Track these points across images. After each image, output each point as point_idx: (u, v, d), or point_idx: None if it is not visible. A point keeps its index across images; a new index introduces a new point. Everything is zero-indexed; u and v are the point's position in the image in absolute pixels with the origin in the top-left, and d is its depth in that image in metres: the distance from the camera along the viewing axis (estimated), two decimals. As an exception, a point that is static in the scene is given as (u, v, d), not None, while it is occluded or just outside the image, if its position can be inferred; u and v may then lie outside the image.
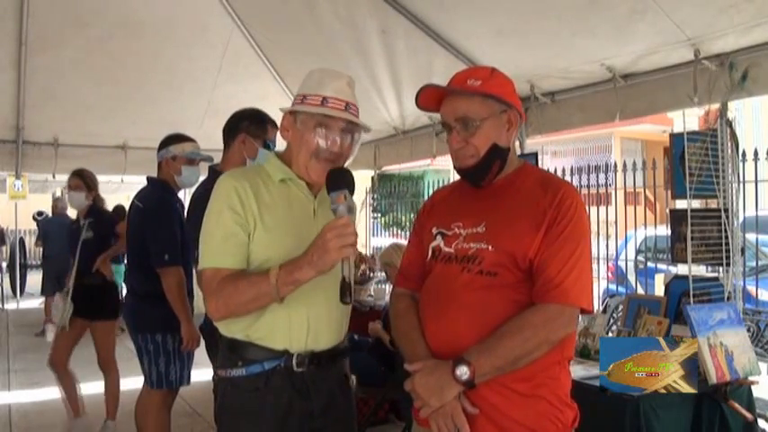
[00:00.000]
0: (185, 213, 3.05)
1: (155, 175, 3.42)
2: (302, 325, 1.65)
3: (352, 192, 1.56)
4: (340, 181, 1.55)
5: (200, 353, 3.10)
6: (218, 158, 2.95)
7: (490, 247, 1.57)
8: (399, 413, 4.31)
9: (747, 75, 2.83)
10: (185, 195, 4.23)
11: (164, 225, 3.15)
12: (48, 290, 8.19)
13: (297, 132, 1.70)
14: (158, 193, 3.30)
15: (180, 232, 3.16)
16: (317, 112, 1.65)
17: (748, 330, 2.88)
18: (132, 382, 3.44)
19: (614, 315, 3.46)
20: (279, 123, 1.82)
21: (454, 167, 1.70)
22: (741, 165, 3.37)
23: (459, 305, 1.57)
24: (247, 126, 2.80)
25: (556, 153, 16.54)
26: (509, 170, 1.67)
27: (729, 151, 3.10)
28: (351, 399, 1.85)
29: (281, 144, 2.01)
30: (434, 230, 1.70)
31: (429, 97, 1.68)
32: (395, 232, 8.44)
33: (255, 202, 1.64)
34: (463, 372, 1.46)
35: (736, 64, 2.87)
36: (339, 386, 1.77)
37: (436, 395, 1.50)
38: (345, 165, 1.72)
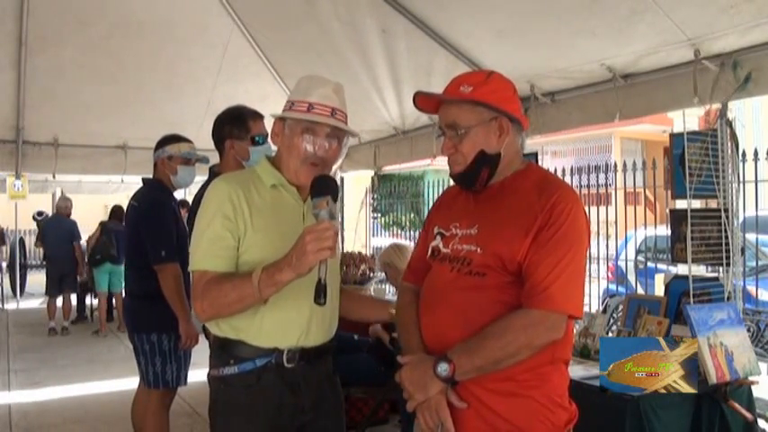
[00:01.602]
0: (188, 215, 3.05)
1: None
2: (295, 322, 1.71)
3: (335, 199, 1.60)
4: (324, 187, 1.59)
5: (198, 353, 3.10)
6: (215, 159, 2.95)
7: (479, 250, 1.59)
8: (399, 413, 4.30)
9: (750, 76, 2.83)
10: (186, 196, 4.24)
11: (159, 223, 3.15)
12: (51, 291, 8.18)
13: (285, 138, 1.76)
14: (154, 192, 3.31)
15: (176, 231, 3.17)
16: (303, 117, 1.71)
17: (748, 330, 2.88)
18: (132, 383, 3.43)
19: (614, 315, 3.46)
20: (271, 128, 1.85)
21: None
22: (741, 165, 3.36)
23: (447, 304, 1.61)
24: (230, 130, 2.79)
25: (556, 153, 16.55)
26: (508, 173, 1.66)
27: (729, 151, 3.10)
28: (339, 393, 1.89)
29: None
30: (435, 230, 1.73)
31: (428, 100, 1.69)
32: (395, 232, 8.42)
33: (247, 206, 1.69)
34: (443, 369, 1.49)
35: (741, 63, 2.87)
36: (328, 381, 1.84)
37: (421, 389, 1.53)
38: (335, 167, 1.74)
